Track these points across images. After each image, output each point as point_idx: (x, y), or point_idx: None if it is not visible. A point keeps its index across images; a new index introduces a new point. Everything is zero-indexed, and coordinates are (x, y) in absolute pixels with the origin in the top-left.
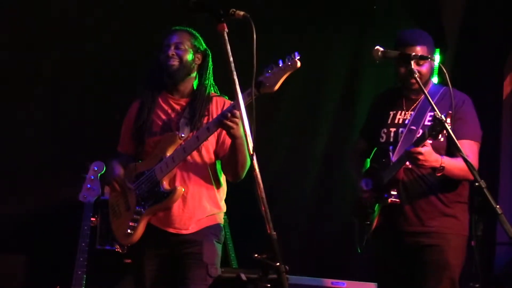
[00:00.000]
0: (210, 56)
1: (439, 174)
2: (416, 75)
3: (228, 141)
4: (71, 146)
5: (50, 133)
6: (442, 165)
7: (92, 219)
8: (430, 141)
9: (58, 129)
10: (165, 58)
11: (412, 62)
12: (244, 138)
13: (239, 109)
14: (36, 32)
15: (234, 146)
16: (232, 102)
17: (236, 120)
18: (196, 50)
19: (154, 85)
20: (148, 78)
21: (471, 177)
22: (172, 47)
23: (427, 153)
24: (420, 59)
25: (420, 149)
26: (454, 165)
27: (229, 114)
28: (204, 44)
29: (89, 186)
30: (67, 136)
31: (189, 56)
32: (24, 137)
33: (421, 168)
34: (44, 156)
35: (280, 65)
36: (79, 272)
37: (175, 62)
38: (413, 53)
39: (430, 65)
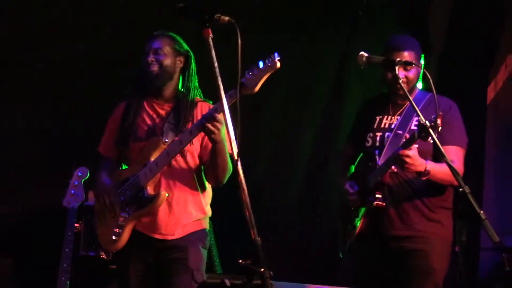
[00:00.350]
0: (193, 58)
1: (424, 178)
2: (401, 81)
3: (210, 145)
4: (55, 151)
5: (35, 137)
6: (427, 169)
7: (76, 225)
8: (417, 145)
9: (44, 134)
10: (145, 65)
11: (397, 68)
12: (224, 143)
13: (224, 114)
14: (24, 35)
15: (214, 151)
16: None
17: (217, 124)
18: (177, 54)
19: (139, 90)
20: (135, 84)
21: (454, 183)
22: (151, 53)
23: (414, 156)
24: (405, 64)
25: (408, 152)
26: (439, 170)
27: (211, 117)
28: (185, 46)
29: (72, 191)
30: (52, 141)
31: (169, 61)
32: (9, 142)
33: (406, 172)
34: (27, 162)
35: (260, 67)
36: (63, 278)
37: (155, 68)
38: (398, 59)
39: (417, 70)
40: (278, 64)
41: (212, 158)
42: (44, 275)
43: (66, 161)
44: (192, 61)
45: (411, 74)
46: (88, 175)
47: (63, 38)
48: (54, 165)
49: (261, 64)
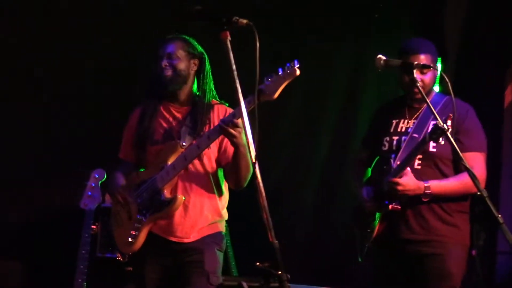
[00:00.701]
0: (207, 60)
1: (425, 200)
2: (419, 84)
3: (230, 149)
4: (73, 152)
5: (51, 139)
6: (427, 191)
7: (92, 226)
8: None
9: (60, 136)
10: (159, 70)
11: (415, 71)
12: (246, 146)
13: (242, 117)
14: (35, 35)
15: (237, 154)
16: (233, 110)
17: (238, 129)
18: (191, 57)
19: (154, 94)
20: (148, 88)
21: (471, 192)
22: (165, 58)
23: (405, 182)
24: (423, 68)
25: (397, 179)
26: (444, 187)
27: (230, 123)
28: (199, 48)
29: (90, 193)
30: (68, 142)
31: (183, 64)
32: (25, 143)
33: (397, 198)
34: (44, 163)
35: (280, 73)
36: (80, 280)
37: (169, 73)
38: (416, 62)
39: (433, 74)
40: (298, 72)
41: (234, 162)
42: (61, 277)
43: (83, 162)
44: (207, 63)
45: (427, 77)
46: (105, 177)
47: (70, 40)
48: (71, 167)
49: (280, 71)
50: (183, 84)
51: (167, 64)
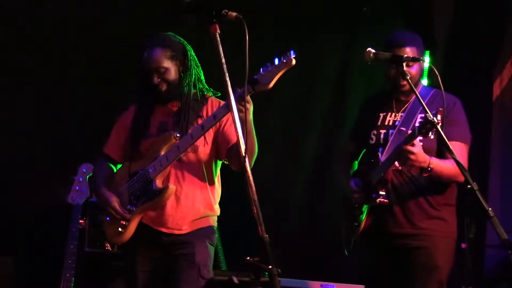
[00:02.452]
0: (191, 51)
1: (425, 175)
2: (408, 77)
3: (231, 131)
4: (60, 147)
5: (38, 134)
6: (430, 166)
7: (80, 221)
8: (421, 142)
9: (46, 130)
10: (153, 84)
11: (404, 64)
12: (252, 124)
13: (231, 111)
14: (25, 30)
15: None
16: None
17: (247, 104)
18: (175, 60)
19: (146, 97)
20: (140, 88)
21: (459, 179)
22: (155, 74)
23: (418, 153)
24: (412, 60)
25: (412, 148)
26: (442, 166)
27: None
28: (178, 41)
29: (77, 188)
30: (55, 137)
31: (172, 73)
32: (12, 139)
33: (409, 168)
34: (32, 158)
35: (276, 63)
36: (68, 275)
37: (164, 87)
38: (405, 55)
39: (419, 66)
40: (294, 61)
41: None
42: (49, 272)
43: (70, 157)
44: (190, 54)
45: (414, 70)
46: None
47: (62, 36)
48: (58, 162)
49: (276, 61)
50: (176, 88)
51: (159, 79)
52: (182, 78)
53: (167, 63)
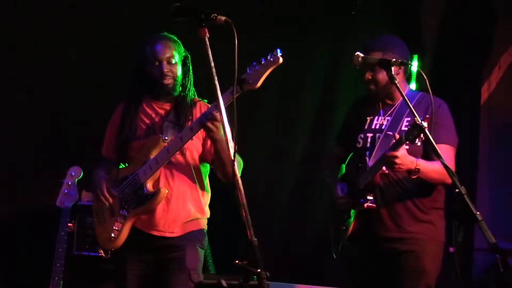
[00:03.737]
0: (190, 59)
1: (414, 177)
2: (396, 81)
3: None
4: (49, 150)
5: (27, 137)
6: (418, 167)
7: (69, 224)
8: (407, 147)
9: (35, 133)
10: (159, 75)
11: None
12: (224, 141)
13: (220, 114)
14: (14, 32)
15: (217, 149)
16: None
17: (216, 123)
18: (180, 59)
19: (137, 90)
20: (131, 84)
21: (447, 181)
22: (165, 63)
23: (403, 156)
24: (400, 64)
25: (395, 152)
26: (429, 167)
27: (210, 116)
28: (183, 48)
29: (66, 191)
30: (44, 140)
31: (180, 70)
32: (1, 141)
33: (397, 172)
34: (20, 161)
35: (262, 62)
36: (56, 278)
37: (170, 81)
38: (393, 59)
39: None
40: (281, 60)
41: (217, 157)
42: (37, 275)
43: (59, 160)
44: (189, 62)
45: (381, 75)
46: (82, 174)
47: (54, 39)
48: (47, 165)
49: (263, 60)
50: (177, 86)
51: (169, 71)
52: (182, 80)
53: (176, 57)
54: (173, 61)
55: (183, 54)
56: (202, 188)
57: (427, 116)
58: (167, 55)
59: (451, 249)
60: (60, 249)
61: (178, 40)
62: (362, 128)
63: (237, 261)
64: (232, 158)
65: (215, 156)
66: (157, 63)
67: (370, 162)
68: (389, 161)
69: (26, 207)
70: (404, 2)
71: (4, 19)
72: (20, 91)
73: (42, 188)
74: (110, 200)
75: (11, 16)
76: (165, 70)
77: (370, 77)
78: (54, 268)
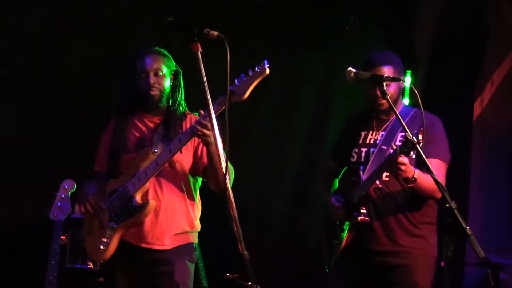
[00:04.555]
0: (181, 73)
1: (410, 185)
2: (388, 96)
3: (206, 153)
4: (42, 163)
5: (20, 150)
6: (415, 176)
7: (62, 237)
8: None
9: (28, 146)
10: (146, 86)
11: (385, 84)
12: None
13: (212, 128)
14: (7, 42)
15: (210, 154)
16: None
17: (207, 130)
18: (170, 72)
19: (128, 104)
20: (122, 98)
21: (437, 195)
22: (152, 74)
23: (407, 162)
24: (392, 80)
25: (403, 159)
26: (424, 179)
27: (200, 124)
28: (172, 60)
29: (59, 204)
30: (37, 152)
31: (167, 82)
32: None
33: (389, 185)
34: (13, 174)
35: (250, 73)
36: None
37: (157, 92)
38: (386, 75)
39: (397, 85)
40: (268, 71)
41: (210, 163)
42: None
43: (52, 173)
44: (181, 76)
45: (391, 89)
46: (75, 187)
47: (46, 50)
48: (40, 177)
49: (250, 71)
50: (164, 100)
51: (155, 82)
52: (171, 93)
53: (165, 70)
54: (160, 73)
55: (174, 69)
56: (192, 201)
57: (422, 128)
58: (154, 66)
59: (442, 264)
60: (53, 262)
61: (169, 55)
62: (356, 143)
63: (228, 274)
64: (224, 172)
65: (208, 163)
66: (144, 75)
67: (364, 176)
68: (396, 166)
69: (19, 220)
70: (397, 18)
71: None
72: (12, 103)
73: (35, 201)
74: (97, 209)
75: (2, 25)
76: (151, 81)
77: (379, 94)
78: (47, 281)
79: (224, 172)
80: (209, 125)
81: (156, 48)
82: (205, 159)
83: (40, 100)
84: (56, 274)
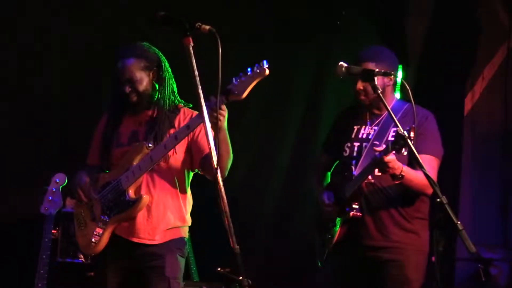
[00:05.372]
0: (165, 62)
1: (397, 182)
2: (379, 91)
3: (203, 141)
4: (33, 157)
5: (11, 143)
6: (402, 173)
7: (53, 231)
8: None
9: (20, 140)
10: (124, 95)
11: (376, 78)
12: (227, 131)
13: (204, 123)
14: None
15: (218, 139)
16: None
17: (223, 112)
18: (148, 71)
19: (118, 105)
20: (112, 97)
21: (428, 191)
22: (126, 84)
23: (394, 160)
24: (383, 75)
25: (390, 157)
26: (412, 175)
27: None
28: (153, 52)
29: (50, 198)
30: (28, 146)
31: (144, 84)
32: None
33: (381, 180)
34: (4, 167)
35: (249, 73)
36: (40, 285)
37: (135, 98)
38: (377, 69)
39: (382, 80)
40: (267, 72)
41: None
42: (21, 282)
43: (43, 167)
44: (165, 65)
45: (377, 83)
46: (66, 181)
47: (39, 45)
48: (31, 171)
49: (249, 71)
50: (148, 98)
51: (130, 89)
52: (155, 89)
53: (140, 74)
54: (134, 79)
55: (151, 65)
56: (184, 195)
57: (413, 126)
58: (127, 76)
59: (433, 259)
60: (44, 256)
61: (150, 48)
62: (349, 137)
63: (219, 269)
64: (215, 166)
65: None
66: (120, 84)
67: (356, 171)
68: (385, 165)
69: (10, 214)
70: (389, 13)
71: None
72: (4, 97)
73: (26, 194)
74: (89, 197)
75: None
76: (126, 91)
77: (361, 87)
78: (37, 275)
79: (215, 167)
80: (223, 107)
81: (134, 45)
82: (202, 148)
83: (32, 93)
84: (47, 268)
